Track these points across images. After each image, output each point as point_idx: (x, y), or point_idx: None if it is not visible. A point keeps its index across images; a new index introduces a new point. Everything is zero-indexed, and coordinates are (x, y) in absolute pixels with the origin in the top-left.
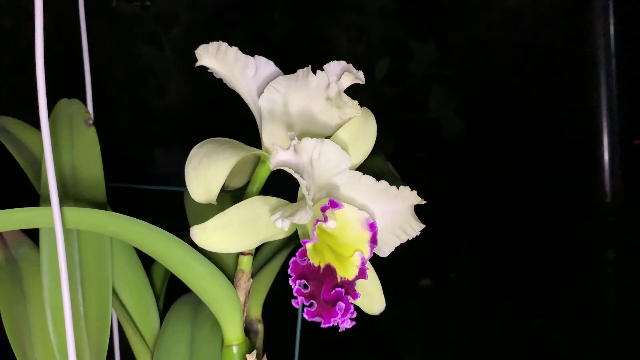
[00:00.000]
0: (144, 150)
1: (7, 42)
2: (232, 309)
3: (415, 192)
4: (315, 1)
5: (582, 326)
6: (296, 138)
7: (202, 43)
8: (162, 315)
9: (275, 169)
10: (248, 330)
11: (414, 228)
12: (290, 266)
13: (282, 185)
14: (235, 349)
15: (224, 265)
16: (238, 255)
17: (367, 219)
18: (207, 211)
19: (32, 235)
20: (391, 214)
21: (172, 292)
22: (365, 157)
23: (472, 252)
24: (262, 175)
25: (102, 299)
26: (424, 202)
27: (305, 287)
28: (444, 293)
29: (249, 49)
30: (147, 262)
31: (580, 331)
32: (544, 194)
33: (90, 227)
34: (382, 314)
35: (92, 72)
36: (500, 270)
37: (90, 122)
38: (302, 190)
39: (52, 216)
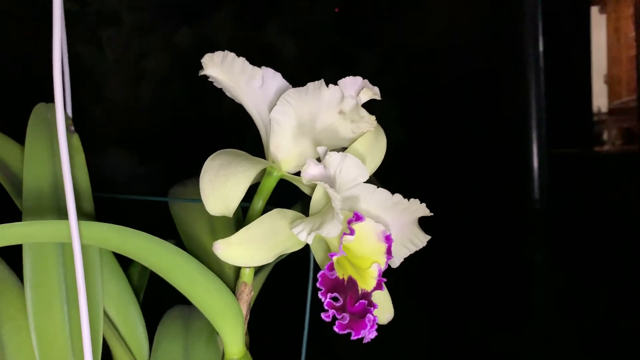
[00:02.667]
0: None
1: None
2: (235, 323)
3: (424, 204)
4: (260, 7)
5: (515, 327)
6: (329, 152)
7: (144, 44)
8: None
9: (308, 183)
10: None
11: (421, 239)
12: (320, 279)
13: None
14: None
15: (226, 277)
16: (239, 267)
17: (383, 231)
18: (197, 221)
19: None
20: (400, 226)
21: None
22: (374, 171)
23: (408, 257)
24: (268, 187)
25: (92, 317)
26: (431, 214)
27: (336, 299)
28: None
29: (193, 51)
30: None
31: (514, 332)
32: (477, 202)
33: (94, 241)
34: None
35: (42, 73)
36: (435, 276)
37: (72, 128)
38: (334, 203)
39: (67, 231)
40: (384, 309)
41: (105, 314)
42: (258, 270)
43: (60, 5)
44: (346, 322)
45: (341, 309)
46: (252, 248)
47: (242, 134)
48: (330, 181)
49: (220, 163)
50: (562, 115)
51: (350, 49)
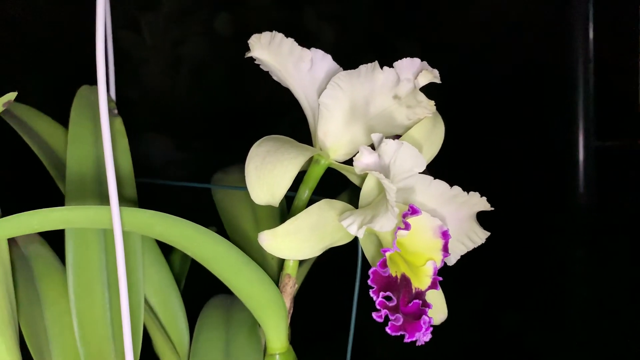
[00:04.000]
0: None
1: (19, 30)
2: (278, 317)
3: (484, 198)
4: None
5: (554, 324)
6: (385, 139)
7: (184, 29)
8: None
9: (361, 173)
10: None
11: (480, 235)
12: (371, 277)
13: None
14: (278, 358)
15: (269, 268)
16: (282, 259)
17: (439, 226)
18: (241, 209)
19: None
20: (457, 220)
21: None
22: (430, 160)
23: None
24: (315, 175)
25: (133, 305)
26: (491, 208)
27: (389, 299)
28: None
29: (233, 36)
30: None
31: (553, 329)
32: (519, 195)
33: (136, 228)
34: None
35: (87, 56)
36: (475, 269)
37: (116, 112)
38: (389, 195)
39: (109, 217)
40: (437, 309)
41: (146, 301)
42: (302, 261)
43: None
44: (400, 323)
45: (394, 310)
46: (299, 240)
47: (284, 116)
48: (385, 171)
49: (267, 150)
50: (608, 107)
51: (389, 36)
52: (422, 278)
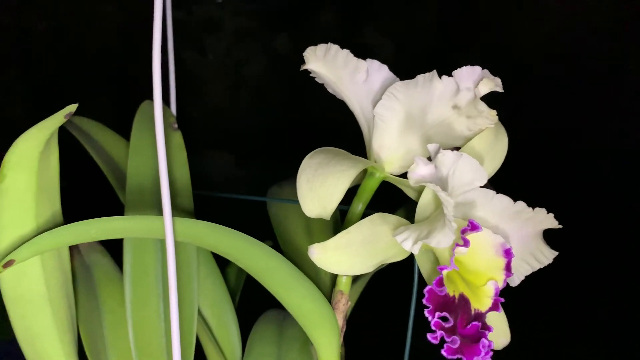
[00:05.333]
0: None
1: (87, 47)
2: (331, 334)
3: (551, 215)
4: (360, 11)
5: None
6: (441, 150)
7: (246, 49)
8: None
9: (416, 185)
10: None
11: (546, 255)
12: (427, 296)
13: None
14: None
15: (322, 284)
16: (335, 275)
17: (502, 244)
18: (294, 223)
19: None
20: (521, 238)
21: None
22: (493, 174)
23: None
24: (369, 189)
25: (186, 316)
26: (559, 226)
27: (445, 320)
28: None
29: (289, 54)
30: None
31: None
32: (591, 212)
33: (190, 239)
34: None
35: (144, 74)
36: (542, 292)
37: (176, 126)
38: (446, 209)
39: (163, 227)
40: (499, 333)
41: (200, 313)
42: (356, 278)
43: (160, 9)
44: (456, 346)
45: (451, 331)
46: (350, 255)
47: (340, 135)
48: (442, 183)
49: (319, 162)
50: None
51: (448, 52)
52: (482, 299)
